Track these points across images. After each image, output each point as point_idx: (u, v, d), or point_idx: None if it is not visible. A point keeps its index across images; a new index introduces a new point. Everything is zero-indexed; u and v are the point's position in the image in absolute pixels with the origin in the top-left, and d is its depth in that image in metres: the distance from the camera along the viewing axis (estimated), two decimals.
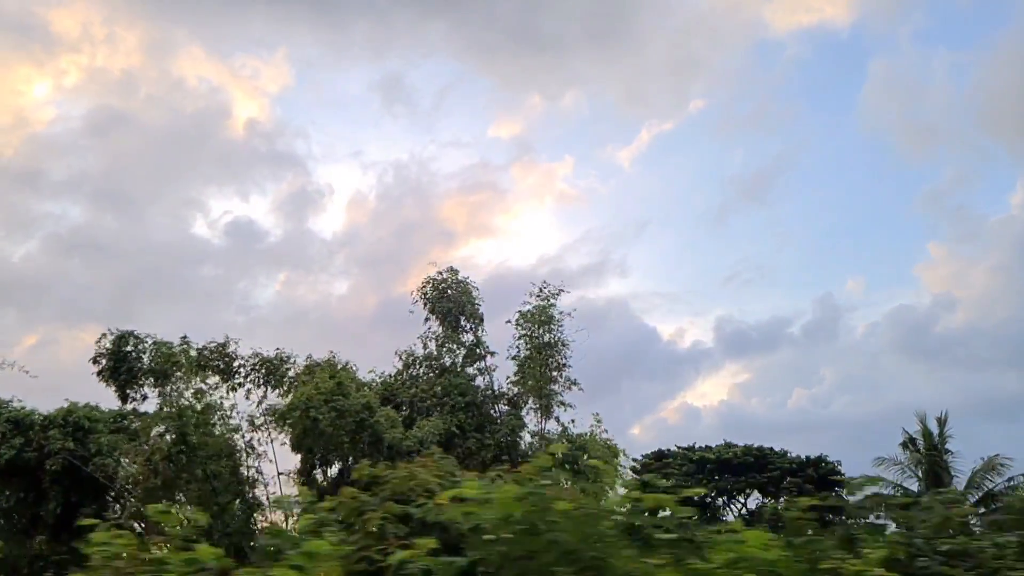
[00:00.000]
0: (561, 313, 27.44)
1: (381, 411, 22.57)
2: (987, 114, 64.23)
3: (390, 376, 28.46)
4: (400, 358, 28.57)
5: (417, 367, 28.39)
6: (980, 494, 33.46)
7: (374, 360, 67.71)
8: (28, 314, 57.66)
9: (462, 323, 29.83)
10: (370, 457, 22.65)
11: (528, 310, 27.46)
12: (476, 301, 29.89)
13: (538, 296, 27.62)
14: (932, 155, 70.81)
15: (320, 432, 20.91)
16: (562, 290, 27.58)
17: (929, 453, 35.72)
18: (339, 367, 28.25)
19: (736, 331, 69.22)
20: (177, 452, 22.53)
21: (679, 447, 51.17)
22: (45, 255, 61.12)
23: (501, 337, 33.65)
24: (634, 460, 51.43)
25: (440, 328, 29.64)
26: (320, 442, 21.57)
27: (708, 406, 68.01)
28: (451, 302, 29.33)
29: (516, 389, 28.60)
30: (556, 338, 27.19)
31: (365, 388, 26.64)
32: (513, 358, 27.60)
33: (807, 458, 46.48)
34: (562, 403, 28.33)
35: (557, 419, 28.49)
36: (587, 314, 67.80)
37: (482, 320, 30.02)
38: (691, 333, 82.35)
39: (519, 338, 27.52)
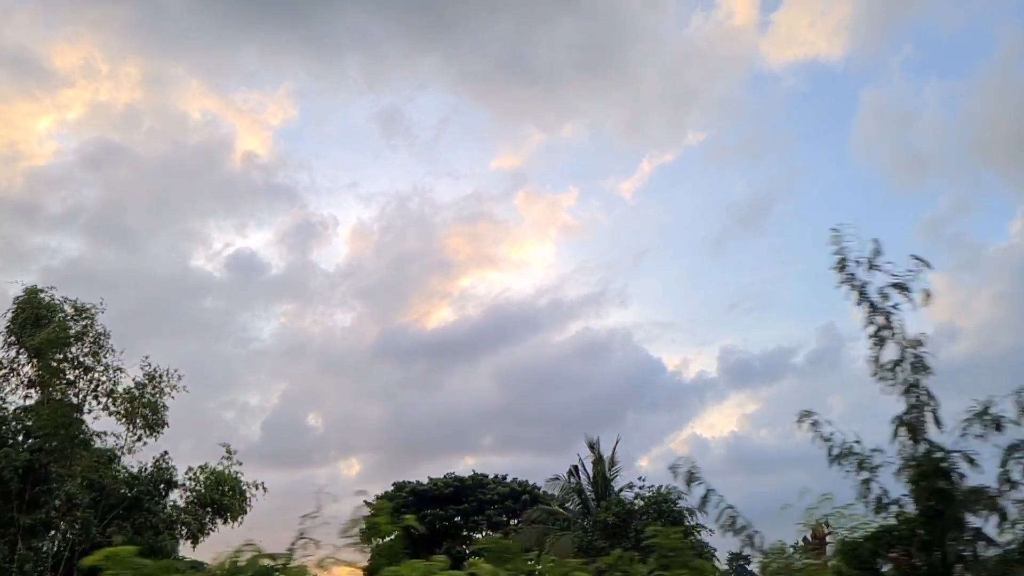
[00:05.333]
0: (100, 335, 24.35)
1: None
2: (979, 142, 66.09)
3: None
4: None
5: None
6: None
7: (374, 388, 63.71)
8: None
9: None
10: None
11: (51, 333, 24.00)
12: (66, 327, 26.09)
13: (74, 318, 24.37)
14: (927, 184, 72.65)
15: None
16: (92, 308, 24.48)
17: (595, 477, 35.29)
18: None
19: (740, 361, 68.04)
20: None
21: (420, 481, 48.88)
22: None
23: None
24: (379, 496, 49.06)
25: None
26: None
27: (717, 437, 66.50)
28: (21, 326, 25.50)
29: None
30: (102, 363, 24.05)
31: None
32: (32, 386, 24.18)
33: (520, 484, 45.56)
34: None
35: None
36: (589, 344, 65.87)
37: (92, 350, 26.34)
38: (695, 363, 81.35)
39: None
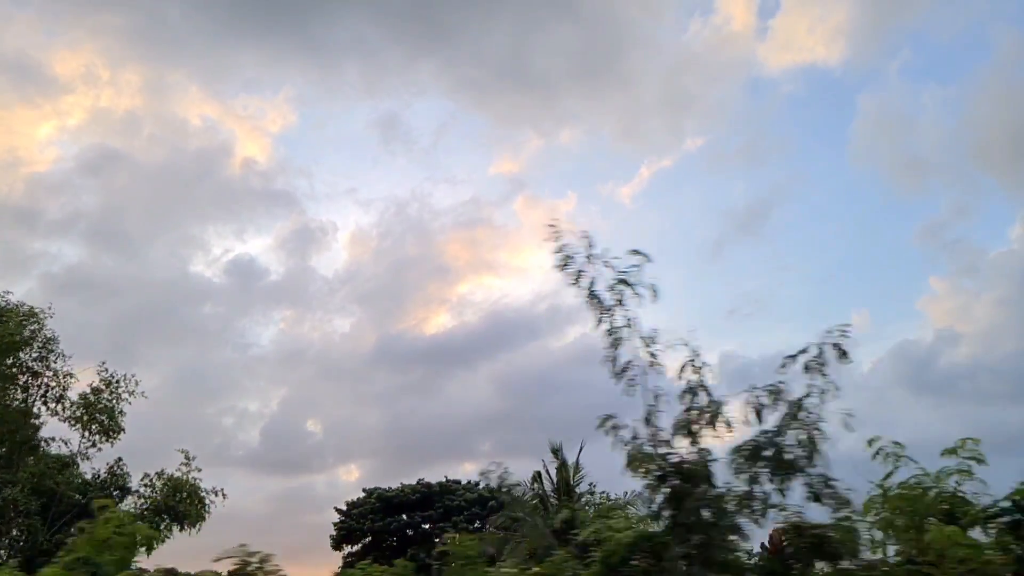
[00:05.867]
0: (49, 340, 24.32)
1: None
2: (978, 147, 65.12)
3: None
4: None
5: None
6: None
7: (373, 394, 63.94)
8: None
9: None
10: None
11: None
12: (17, 331, 25.85)
13: (23, 322, 24.26)
14: (927, 189, 71.66)
15: None
16: (41, 312, 24.39)
17: (559, 483, 35.17)
18: None
19: (739, 367, 67.28)
20: None
21: (389, 487, 48.81)
22: (45, 294, 54.71)
23: None
24: (348, 502, 48.87)
25: None
26: None
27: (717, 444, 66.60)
28: None
29: None
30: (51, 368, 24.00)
31: None
32: None
33: (489, 491, 45.55)
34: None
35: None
36: (588, 350, 65.52)
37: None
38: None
39: None
